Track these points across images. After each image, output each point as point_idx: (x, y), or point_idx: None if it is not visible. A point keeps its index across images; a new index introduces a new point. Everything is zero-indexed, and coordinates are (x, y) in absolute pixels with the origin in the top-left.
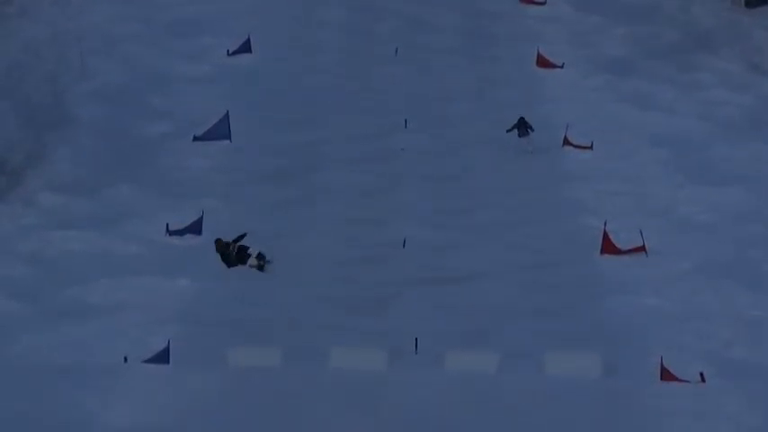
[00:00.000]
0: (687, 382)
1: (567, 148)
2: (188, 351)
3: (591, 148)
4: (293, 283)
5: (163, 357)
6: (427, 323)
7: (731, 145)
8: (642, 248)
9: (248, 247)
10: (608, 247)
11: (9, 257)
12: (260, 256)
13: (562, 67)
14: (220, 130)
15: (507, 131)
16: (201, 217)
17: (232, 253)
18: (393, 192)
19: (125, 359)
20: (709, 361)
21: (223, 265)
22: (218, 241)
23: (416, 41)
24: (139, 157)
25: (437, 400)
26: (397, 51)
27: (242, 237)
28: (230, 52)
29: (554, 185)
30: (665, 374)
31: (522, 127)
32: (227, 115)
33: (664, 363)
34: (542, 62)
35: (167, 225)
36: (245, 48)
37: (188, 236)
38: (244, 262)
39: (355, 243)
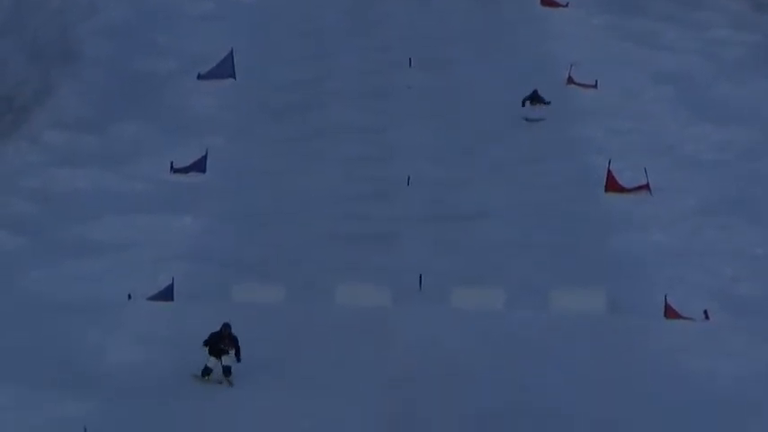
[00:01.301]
0: (691, 319)
1: (572, 86)
2: (192, 288)
3: (595, 86)
4: (297, 220)
5: (167, 294)
6: (432, 260)
7: (736, 83)
8: (646, 187)
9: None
10: (612, 185)
11: (16, 194)
12: (226, 370)
13: (566, 5)
14: (225, 69)
15: (523, 103)
16: (206, 155)
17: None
18: (398, 129)
19: (129, 296)
20: (713, 297)
21: (227, 203)
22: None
23: None
24: (145, 95)
25: (442, 336)
26: None
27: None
28: None
29: (558, 124)
30: (670, 311)
31: (535, 100)
32: (231, 53)
33: (668, 300)
34: (547, 1)
35: (172, 163)
36: None
37: (192, 174)
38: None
39: (360, 180)
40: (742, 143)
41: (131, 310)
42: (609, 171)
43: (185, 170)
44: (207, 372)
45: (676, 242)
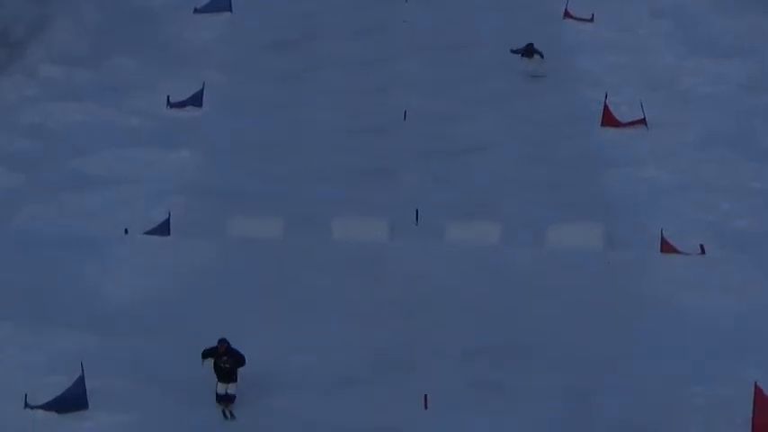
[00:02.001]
0: (687, 254)
1: (568, 20)
2: (189, 222)
3: (592, 20)
4: (294, 154)
5: (163, 228)
6: (428, 194)
7: (733, 17)
8: (642, 121)
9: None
10: (608, 119)
11: (11, 129)
12: (229, 398)
13: None
14: (221, 2)
15: (512, 52)
16: (202, 89)
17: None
18: (394, 62)
19: (126, 231)
20: (710, 232)
21: (224, 137)
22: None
23: None
24: (141, 29)
25: (437, 270)
26: None
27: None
28: None
29: (554, 58)
30: (666, 246)
31: (529, 53)
32: None
33: (664, 234)
34: None
35: (168, 97)
36: None
37: (189, 108)
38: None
39: (357, 114)
40: (739, 77)
41: (128, 245)
42: (605, 105)
43: (182, 104)
44: (220, 398)
45: (673, 177)
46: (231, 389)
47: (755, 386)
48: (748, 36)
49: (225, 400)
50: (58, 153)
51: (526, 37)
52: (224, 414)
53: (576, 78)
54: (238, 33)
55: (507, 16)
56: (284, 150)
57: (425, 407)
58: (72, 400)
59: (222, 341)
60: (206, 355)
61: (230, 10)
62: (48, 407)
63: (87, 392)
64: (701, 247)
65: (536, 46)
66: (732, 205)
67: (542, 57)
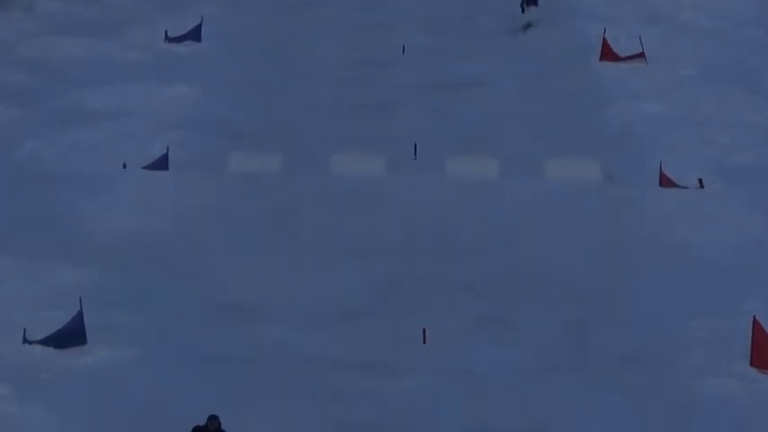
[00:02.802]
0: (686, 187)
1: None
2: (187, 157)
3: None
4: (293, 89)
5: (162, 163)
6: (427, 129)
7: None
8: (641, 56)
9: None
10: (607, 53)
11: (10, 63)
12: None
13: None
14: None
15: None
16: (201, 23)
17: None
18: None
19: (124, 165)
20: (709, 166)
21: (222, 72)
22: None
23: None
24: None
25: (436, 204)
26: None
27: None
28: None
29: None
30: (664, 180)
31: (526, 2)
32: None
33: (663, 168)
34: None
35: (166, 32)
36: None
37: (187, 42)
38: None
39: (357, 48)
40: (739, 11)
41: (126, 180)
42: (604, 39)
43: (180, 39)
44: None
45: (671, 111)
46: None
47: (754, 319)
48: None
49: None
50: (56, 88)
51: None
52: None
53: (575, 12)
54: None
55: None
56: (282, 85)
57: (424, 341)
58: (71, 335)
59: (213, 418)
60: None
61: None
62: (46, 342)
63: (86, 327)
64: (700, 180)
65: None
66: (731, 139)
67: (536, 5)
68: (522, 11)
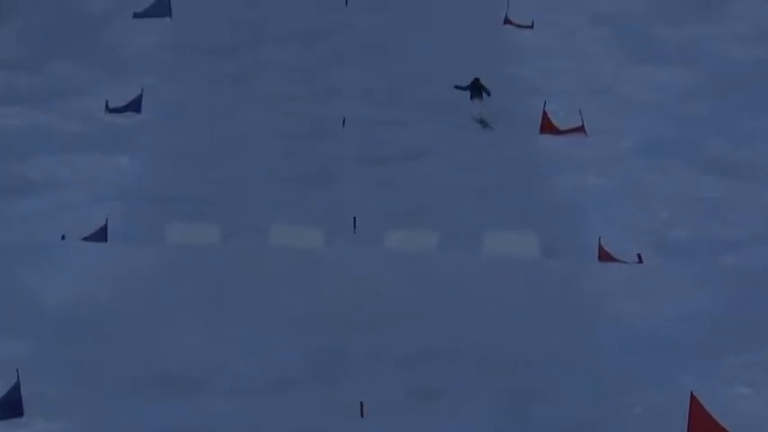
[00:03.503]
0: (625, 262)
1: (508, 26)
2: (127, 228)
3: (531, 27)
4: (234, 160)
5: (101, 234)
6: (367, 201)
7: (673, 24)
8: (581, 128)
9: None
10: (547, 126)
11: None
12: None
13: None
14: (161, 7)
15: (455, 87)
16: (141, 94)
17: None
18: (335, 68)
19: (63, 237)
20: (648, 240)
21: (163, 143)
22: None
23: None
24: (80, 33)
25: (374, 277)
26: None
27: None
28: None
29: (494, 64)
30: (603, 254)
31: (476, 89)
32: None
33: (602, 243)
34: None
35: (107, 102)
36: None
37: (128, 113)
38: None
39: (297, 119)
40: (679, 85)
41: (65, 251)
42: (544, 112)
43: (121, 110)
44: None
45: (611, 184)
46: None
47: (691, 395)
48: (688, 44)
49: None
50: None
51: (465, 44)
52: None
53: (516, 85)
54: (178, 38)
55: (447, 22)
56: (223, 156)
57: (362, 414)
58: (7, 407)
59: None
60: None
61: (170, 15)
62: None
63: (23, 399)
64: (639, 255)
65: (482, 81)
66: (670, 213)
67: (489, 95)
68: (471, 97)
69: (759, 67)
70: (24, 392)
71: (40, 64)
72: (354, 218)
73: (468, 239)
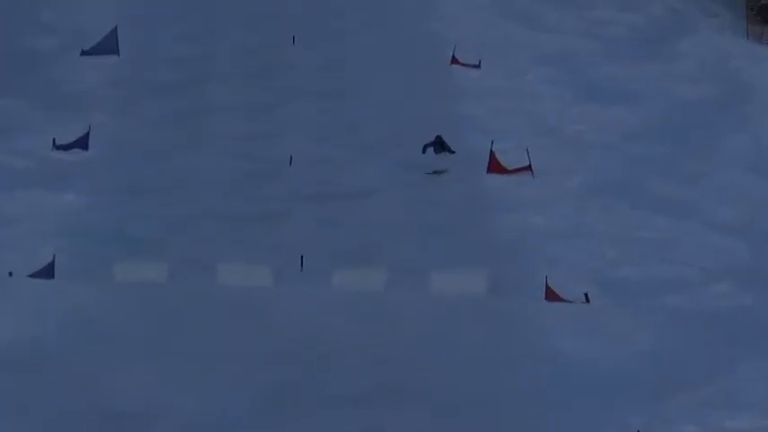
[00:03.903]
0: (571, 301)
1: (455, 66)
2: (74, 265)
3: (479, 66)
4: (181, 198)
5: (48, 271)
6: (314, 240)
7: (618, 64)
8: (528, 168)
9: None
10: (494, 165)
11: None
12: None
13: None
14: (108, 45)
15: (423, 151)
16: (88, 132)
17: None
18: (283, 106)
19: (10, 273)
20: (595, 280)
21: (109, 181)
22: None
23: None
24: (27, 71)
25: (322, 316)
26: None
27: None
28: None
29: (442, 103)
30: (550, 294)
31: (438, 146)
32: (115, 29)
33: (548, 282)
34: None
35: (54, 140)
36: None
37: (75, 150)
38: None
39: (244, 158)
40: (626, 124)
41: (11, 288)
42: (491, 152)
43: (68, 147)
44: None
45: (558, 224)
46: None
47: None
48: (635, 83)
49: None
50: None
51: (411, 82)
52: None
53: (463, 124)
54: (126, 76)
55: (395, 61)
56: (170, 194)
57: None
58: None
59: None
60: None
61: (117, 53)
62: None
63: None
64: (586, 295)
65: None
66: (617, 253)
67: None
68: (423, 150)
69: (705, 106)
70: None
71: None
72: (302, 256)
73: (416, 278)
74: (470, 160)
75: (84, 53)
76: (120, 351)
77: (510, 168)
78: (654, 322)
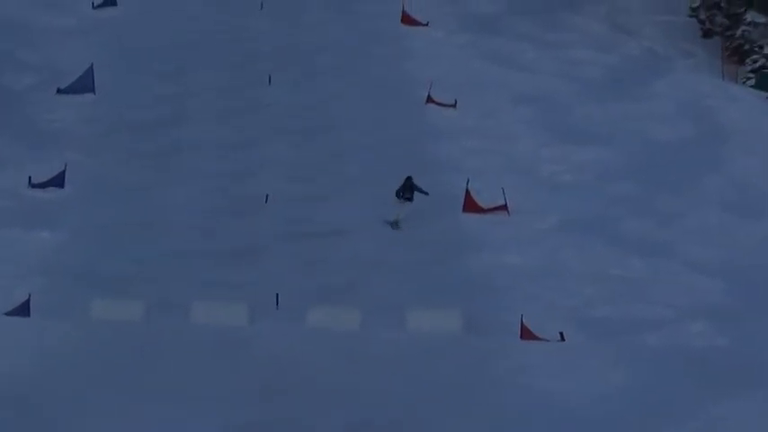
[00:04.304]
0: (547, 340)
1: (431, 105)
2: (49, 303)
3: (455, 106)
4: (157, 236)
5: (24, 309)
6: (290, 278)
7: (594, 104)
8: (504, 208)
9: None
10: (470, 205)
11: None
12: None
13: (427, 24)
14: (84, 83)
15: (397, 196)
16: (64, 170)
17: None
18: (258, 145)
19: None
20: (570, 318)
21: (85, 218)
22: None
23: None
24: (3, 109)
25: (297, 355)
26: (262, 6)
27: None
28: (95, 5)
29: (417, 142)
30: (525, 333)
31: (408, 190)
32: (91, 68)
33: (524, 321)
34: (407, 20)
35: (30, 178)
36: (111, 1)
37: (51, 188)
38: None
39: (220, 196)
40: (600, 164)
41: None
42: (467, 191)
43: (44, 185)
44: None
45: (533, 263)
46: None
47: None
48: (611, 123)
49: None
50: None
51: (388, 121)
52: None
53: (439, 163)
54: (102, 115)
55: (371, 101)
56: (146, 232)
57: None
58: None
59: None
60: None
61: (93, 91)
62: None
63: None
64: (561, 334)
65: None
66: (592, 292)
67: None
68: (402, 196)
69: (681, 146)
70: None
71: None
72: (277, 295)
73: (392, 317)
74: (446, 199)
75: (60, 91)
76: (95, 389)
77: (486, 208)
78: (629, 361)
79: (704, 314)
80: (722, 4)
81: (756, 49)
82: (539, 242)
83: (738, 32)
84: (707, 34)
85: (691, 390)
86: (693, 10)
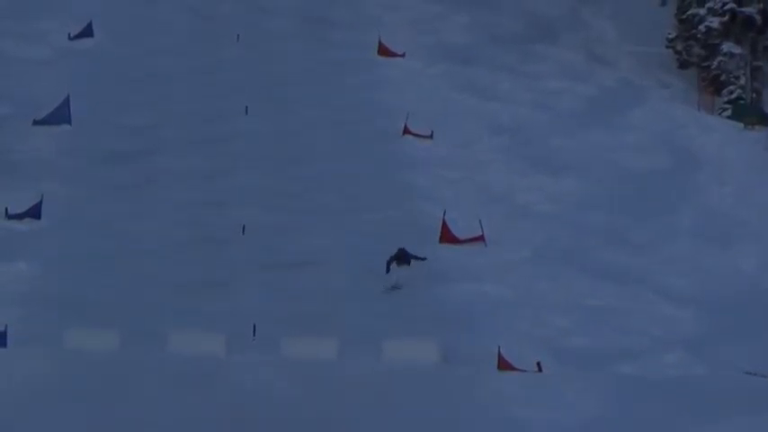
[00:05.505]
0: (524, 370)
1: (407, 136)
2: (25, 334)
3: (431, 137)
4: (133, 267)
5: (1, 340)
6: (266, 307)
7: (570, 134)
8: (481, 238)
9: None
10: (446, 235)
11: None
12: None
13: (403, 55)
14: (60, 115)
15: (387, 270)
16: (41, 201)
17: None
18: (233, 175)
19: None
20: (546, 349)
21: (61, 249)
22: None
23: (258, 26)
24: None
25: (274, 385)
26: (239, 37)
27: None
28: (72, 36)
29: (394, 173)
30: (502, 363)
31: (400, 259)
32: (67, 99)
33: (501, 351)
34: (383, 51)
35: (6, 209)
36: (88, 32)
37: (27, 220)
38: None
39: (195, 226)
40: (575, 194)
41: None
42: (443, 222)
43: (20, 216)
44: None
45: (509, 293)
46: None
47: None
48: (585, 153)
49: None
50: None
51: (364, 151)
52: None
53: (415, 193)
54: (78, 146)
55: (347, 131)
56: (122, 262)
57: None
58: None
59: None
60: None
61: (69, 122)
62: None
63: None
64: (538, 364)
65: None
66: (568, 322)
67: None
68: (387, 268)
69: (653, 176)
70: None
71: None
72: (254, 325)
73: (368, 347)
74: (422, 229)
75: (36, 122)
76: (70, 419)
77: (462, 239)
78: (606, 390)
79: (679, 343)
80: (699, 36)
81: (733, 79)
82: (514, 272)
83: (715, 63)
84: (683, 65)
85: (667, 419)
86: (670, 41)
